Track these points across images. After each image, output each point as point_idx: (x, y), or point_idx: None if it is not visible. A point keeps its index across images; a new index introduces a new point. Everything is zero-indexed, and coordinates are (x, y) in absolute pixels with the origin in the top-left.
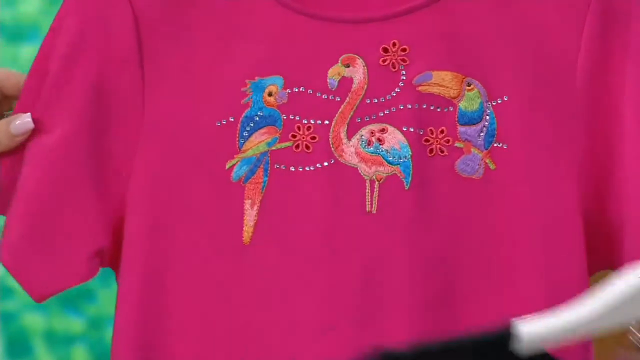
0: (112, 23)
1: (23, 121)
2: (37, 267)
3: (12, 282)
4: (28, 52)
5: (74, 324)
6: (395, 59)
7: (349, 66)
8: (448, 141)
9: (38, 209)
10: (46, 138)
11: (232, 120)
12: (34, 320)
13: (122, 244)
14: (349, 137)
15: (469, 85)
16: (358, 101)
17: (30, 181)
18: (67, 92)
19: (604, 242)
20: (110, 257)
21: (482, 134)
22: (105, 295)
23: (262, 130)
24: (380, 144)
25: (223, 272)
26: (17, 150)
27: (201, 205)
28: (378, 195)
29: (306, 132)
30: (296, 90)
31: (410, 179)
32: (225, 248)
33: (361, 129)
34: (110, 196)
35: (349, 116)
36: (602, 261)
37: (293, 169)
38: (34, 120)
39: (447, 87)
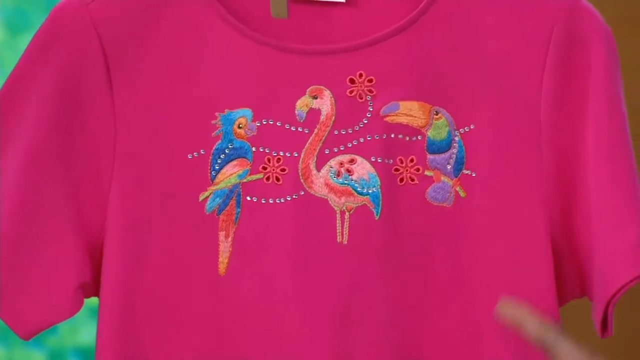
0: (81, 59)
1: None
2: (23, 305)
3: None
4: None
5: (35, 356)
6: (362, 90)
7: (316, 98)
8: (418, 170)
9: (17, 246)
10: (18, 173)
11: (203, 152)
12: None
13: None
14: (318, 169)
15: (436, 114)
16: (326, 132)
17: (5, 220)
18: (39, 127)
19: (574, 270)
20: (93, 289)
21: (451, 162)
22: (66, 327)
23: (233, 163)
24: (349, 175)
25: (199, 304)
26: None
27: (176, 237)
28: (349, 226)
29: (276, 164)
30: (265, 122)
31: (380, 209)
32: (201, 279)
33: (330, 160)
34: (88, 230)
35: (318, 147)
36: (575, 290)
37: (264, 201)
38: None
39: (415, 116)
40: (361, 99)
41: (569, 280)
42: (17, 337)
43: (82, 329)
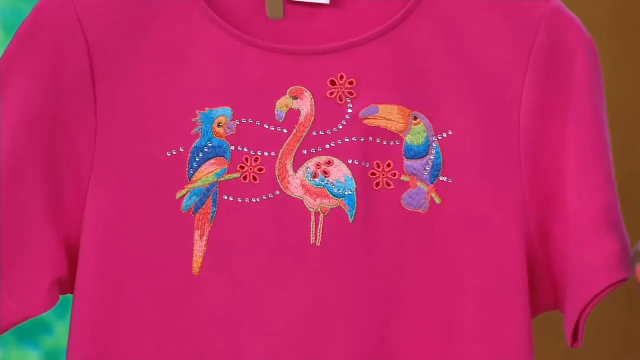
0: (66, 54)
1: None
2: None
3: None
4: None
5: (31, 356)
6: (343, 92)
7: (296, 98)
8: (394, 175)
9: None
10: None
11: (182, 150)
12: None
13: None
14: (295, 169)
15: (415, 119)
16: (305, 133)
17: None
18: (20, 120)
19: (549, 280)
20: (70, 285)
21: (427, 168)
22: (62, 327)
23: (211, 161)
24: (325, 177)
25: (173, 303)
26: None
27: (152, 235)
28: (323, 228)
29: (254, 164)
30: (245, 121)
31: (354, 212)
32: (175, 278)
33: (307, 161)
34: (66, 225)
35: (296, 148)
36: (548, 301)
37: (241, 200)
38: None
39: (394, 120)
40: (341, 101)
41: (543, 291)
42: (12, 338)
43: None
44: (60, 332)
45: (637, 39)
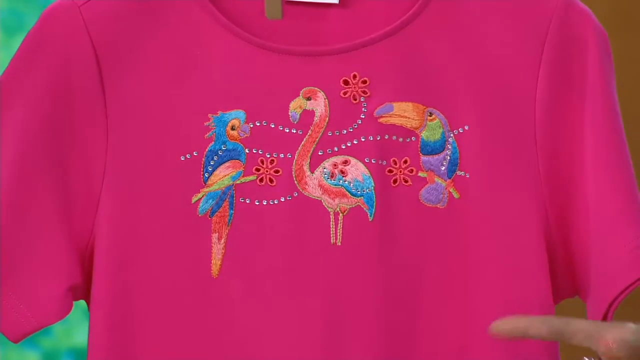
0: (74, 61)
1: None
2: (12, 308)
3: None
4: None
5: (30, 357)
6: (356, 91)
7: (310, 99)
8: (412, 171)
9: (7, 249)
10: (8, 176)
11: (196, 154)
12: None
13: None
14: (312, 170)
15: (430, 115)
16: (320, 134)
17: None
18: (29, 128)
19: (568, 270)
20: (83, 291)
21: (445, 163)
22: (60, 329)
23: (226, 164)
24: (343, 176)
25: (193, 306)
26: None
27: (169, 240)
28: (342, 227)
29: (269, 166)
30: (258, 123)
31: (374, 210)
32: (194, 282)
33: (324, 162)
34: (79, 231)
35: (312, 149)
36: (568, 289)
37: (258, 203)
38: None
39: (409, 117)
40: (355, 100)
41: (562, 279)
42: None
43: (77, 330)
44: (58, 333)
45: (637, 39)
